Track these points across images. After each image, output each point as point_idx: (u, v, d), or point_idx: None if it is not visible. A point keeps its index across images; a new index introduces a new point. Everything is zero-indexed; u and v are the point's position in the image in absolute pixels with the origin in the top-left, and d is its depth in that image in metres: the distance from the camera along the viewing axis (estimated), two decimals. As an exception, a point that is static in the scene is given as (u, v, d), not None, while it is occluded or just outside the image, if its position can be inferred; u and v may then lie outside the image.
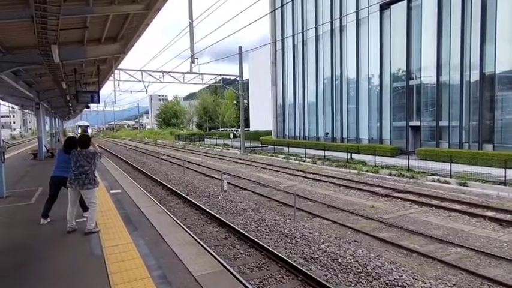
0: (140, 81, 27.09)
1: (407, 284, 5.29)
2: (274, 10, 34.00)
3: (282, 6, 33.14)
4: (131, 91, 33.91)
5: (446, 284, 5.42)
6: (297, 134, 33.78)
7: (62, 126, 56.11)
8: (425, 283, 5.36)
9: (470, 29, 18.81)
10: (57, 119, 40.97)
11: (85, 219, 5.66)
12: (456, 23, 19.36)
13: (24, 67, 10.54)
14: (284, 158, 23.41)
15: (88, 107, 21.37)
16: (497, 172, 13.17)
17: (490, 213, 9.25)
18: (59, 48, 6.94)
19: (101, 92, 14.46)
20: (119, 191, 9.23)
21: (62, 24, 5.73)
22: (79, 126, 55.60)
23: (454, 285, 5.43)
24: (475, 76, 18.86)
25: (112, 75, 18.80)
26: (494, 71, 18.02)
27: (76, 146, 5.57)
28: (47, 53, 7.13)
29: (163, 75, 27.55)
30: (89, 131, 59.37)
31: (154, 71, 27.64)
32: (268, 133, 39.58)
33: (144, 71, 27.08)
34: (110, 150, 34.16)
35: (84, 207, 5.90)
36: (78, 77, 13.38)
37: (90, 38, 9.30)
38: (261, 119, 47.20)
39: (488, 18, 17.99)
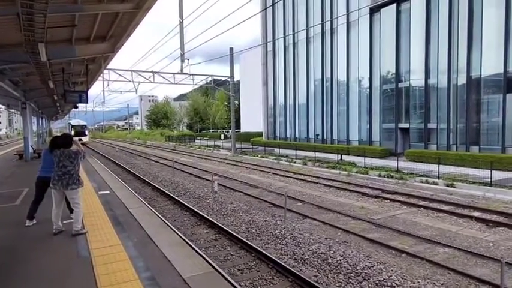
0: (130, 81, 26.78)
1: (396, 284, 5.33)
2: (266, 9, 34.06)
3: (273, 4, 33.18)
4: (121, 91, 33.55)
5: (434, 283, 5.48)
6: (288, 136, 33.88)
7: (49, 126, 54.65)
8: (414, 283, 5.42)
9: (457, 34, 19.16)
10: (44, 119, 40.21)
11: (72, 220, 5.56)
12: (444, 27, 19.71)
13: (10, 65, 10.33)
14: (275, 159, 23.43)
15: (76, 107, 21.07)
16: (483, 173, 13.44)
17: (476, 214, 9.42)
18: (46, 47, 6.82)
19: (90, 92, 14.28)
20: (108, 192, 9.10)
21: (50, 22, 5.63)
22: (72, 125, 44.06)
23: (442, 284, 5.50)
24: (462, 79, 19.22)
25: (101, 74, 18.57)
26: (480, 75, 18.38)
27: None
28: (34, 52, 7.01)
29: (154, 76, 27.32)
30: (87, 132, 45.75)
31: (144, 71, 27.37)
32: (259, 134, 39.58)
33: (134, 71, 26.78)
34: (98, 151, 33.67)
35: (71, 208, 5.79)
36: (66, 76, 13.19)
37: (79, 37, 9.18)
38: (252, 120, 47.19)
39: (474, 24, 18.36)
